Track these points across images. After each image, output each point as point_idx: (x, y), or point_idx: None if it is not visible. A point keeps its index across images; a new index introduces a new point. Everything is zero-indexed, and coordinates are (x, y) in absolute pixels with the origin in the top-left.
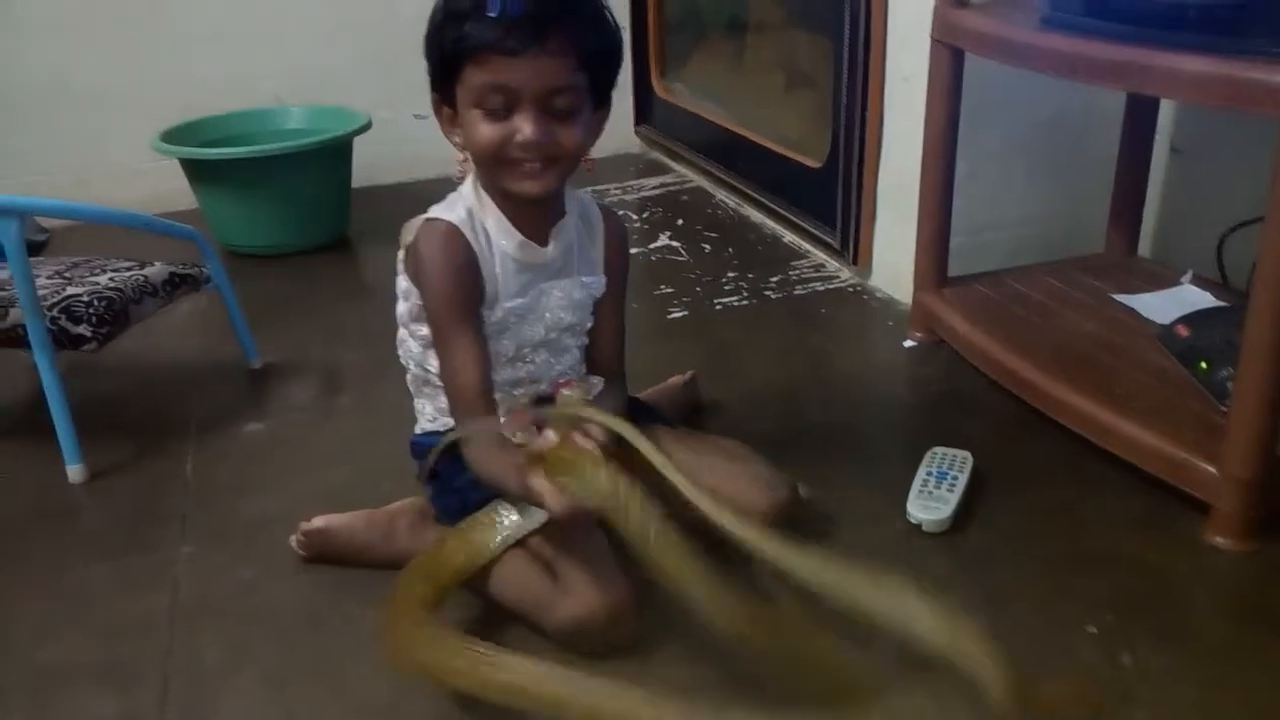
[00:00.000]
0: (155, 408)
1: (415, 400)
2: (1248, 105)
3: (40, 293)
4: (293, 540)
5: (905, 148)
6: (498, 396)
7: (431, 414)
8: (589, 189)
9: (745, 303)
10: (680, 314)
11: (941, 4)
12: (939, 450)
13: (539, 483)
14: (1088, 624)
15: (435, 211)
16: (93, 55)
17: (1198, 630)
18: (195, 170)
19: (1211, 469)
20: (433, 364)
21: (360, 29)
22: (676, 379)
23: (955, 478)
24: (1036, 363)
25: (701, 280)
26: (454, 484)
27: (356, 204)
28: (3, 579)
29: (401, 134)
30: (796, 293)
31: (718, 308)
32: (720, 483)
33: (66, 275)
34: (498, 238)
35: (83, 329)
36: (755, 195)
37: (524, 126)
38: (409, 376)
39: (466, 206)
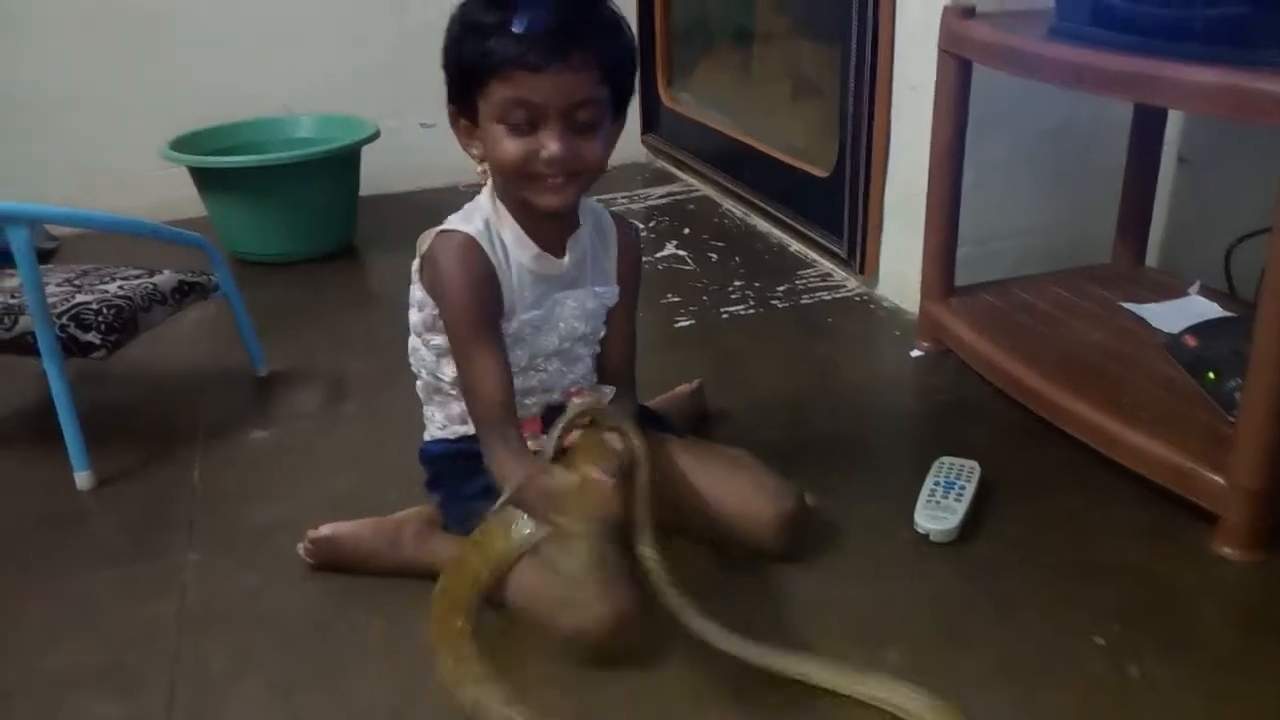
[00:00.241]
0: (163, 415)
1: (425, 408)
2: (1255, 116)
3: (50, 300)
4: (300, 548)
5: (912, 157)
6: None
7: (441, 421)
8: (596, 197)
9: (752, 312)
10: (687, 323)
11: (949, 14)
12: (946, 460)
13: (557, 479)
14: (1095, 634)
15: (452, 223)
16: (102, 64)
17: (1205, 641)
18: (204, 178)
19: (1219, 479)
20: (446, 372)
21: (369, 39)
22: (683, 388)
23: (963, 487)
24: (1043, 372)
25: (708, 289)
26: (463, 493)
27: (364, 212)
28: (10, 585)
29: (409, 143)
30: (803, 302)
31: (724, 317)
32: (727, 492)
33: (76, 283)
34: (514, 249)
35: (92, 336)
36: (762, 204)
37: (549, 143)
38: (419, 384)
39: (484, 218)
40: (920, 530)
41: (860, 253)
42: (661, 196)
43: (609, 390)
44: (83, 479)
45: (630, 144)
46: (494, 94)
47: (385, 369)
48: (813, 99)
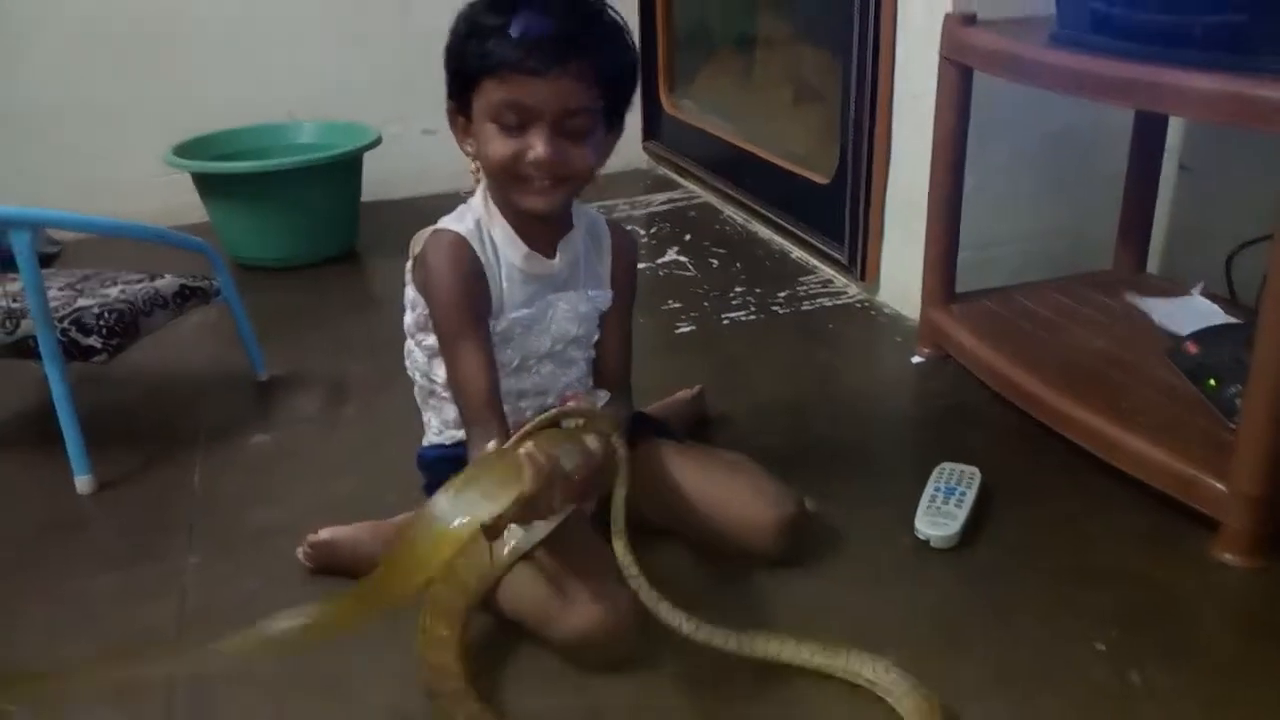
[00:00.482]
0: (164, 419)
1: (422, 413)
2: (1256, 122)
3: (51, 304)
4: (299, 552)
5: (913, 164)
6: (505, 409)
7: (438, 427)
8: (595, 204)
9: (753, 318)
10: (688, 329)
11: (950, 21)
12: (947, 466)
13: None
14: (1095, 640)
15: (444, 223)
16: (105, 70)
17: (1206, 647)
18: (206, 184)
19: (1220, 485)
20: (438, 374)
21: (372, 46)
22: (684, 393)
23: (963, 493)
24: (1044, 378)
25: (709, 295)
26: None
27: (365, 218)
28: (11, 588)
29: (410, 150)
30: (804, 308)
31: (725, 323)
32: (727, 496)
33: (77, 287)
34: (505, 248)
35: (93, 340)
36: (763, 211)
37: (537, 145)
38: (416, 389)
39: (475, 217)
40: (921, 536)
41: (861, 259)
42: (663, 203)
43: (603, 395)
44: (83, 482)
45: (631, 150)
46: (489, 94)
47: (385, 373)
48: (814, 105)
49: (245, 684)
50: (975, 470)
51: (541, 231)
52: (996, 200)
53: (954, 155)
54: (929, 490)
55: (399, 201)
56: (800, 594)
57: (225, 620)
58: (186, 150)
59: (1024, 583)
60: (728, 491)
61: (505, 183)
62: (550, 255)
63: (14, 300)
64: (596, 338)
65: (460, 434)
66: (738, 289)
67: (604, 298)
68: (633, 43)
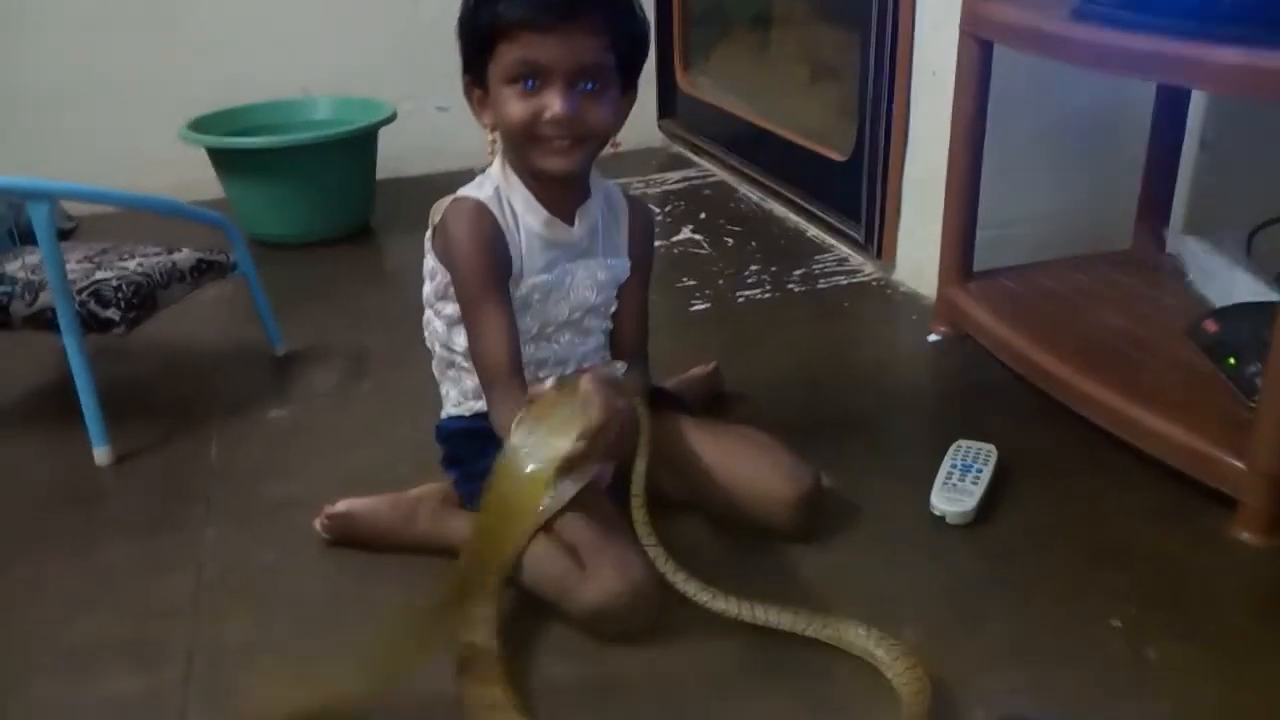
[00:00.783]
0: (181, 392)
1: (440, 385)
2: None
3: (70, 277)
4: (316, 523)
5: (931, 141)
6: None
7: (456, 398)
8: (613, 182)
9: (768, 296)
10: (703, 306)
11: None
12: (964, 443)
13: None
14: (1112, 617)
15: (464, 191)
16: (120, 46)
17: (1222, 625)
18: (222, 160)
19: (1239, 464)
20: (458, 343)
21: (386, 21)
22: (699, 370)
23: (980, 470)
24: (1062, 356)
25: (724, 273)
26: (478, 470)
27: (380, 194)
28: (31, 559)
29: (425, 126)
30: (820, 286)
31: (740, 301)
32: (744, 470)
33: (95, 260)
34: (524, 214)
35: (111, 313)
36: (779, 189)
37: (554, 103)
38: (434, 360)
39: (494, 185)
40: (936, 512)
41: (878, 237)
42: (678, 181)
43: (621, 366)
44: (101, 454)
45: (647, 129)
46: (503, 56)
47: (400, 347)
48: (831, 82)
49: (262, 651)
50: (992, 447)
51: (560, 198)
52: (1015, 178)
53: (973, 132)
54: (945, 466)
55: (413, 178)
56: (815, 568)
57: (243, 591)
58: (202, 126)
59: (1040, 560)
60: (745, 465)
61: (524, 145)
62: (569, 223)
63: (32, 272)
64: (614, 308)
65: (479, 405)
66: (753, 267)
67: (622, 266)
68: (641, 7)
